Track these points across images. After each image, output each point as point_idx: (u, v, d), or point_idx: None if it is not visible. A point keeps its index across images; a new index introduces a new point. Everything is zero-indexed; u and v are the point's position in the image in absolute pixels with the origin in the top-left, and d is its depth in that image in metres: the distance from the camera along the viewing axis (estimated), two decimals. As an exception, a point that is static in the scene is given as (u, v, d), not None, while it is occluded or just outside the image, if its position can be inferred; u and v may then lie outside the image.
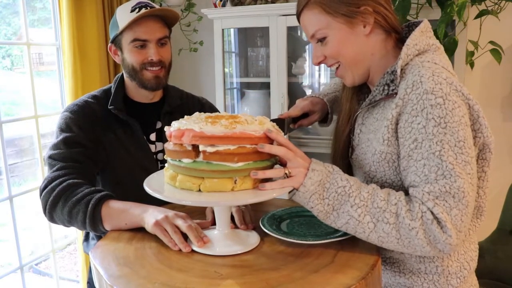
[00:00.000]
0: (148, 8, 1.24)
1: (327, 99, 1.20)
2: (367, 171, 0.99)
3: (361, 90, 1.08)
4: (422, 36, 0.94)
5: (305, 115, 1.20)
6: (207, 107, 1.49)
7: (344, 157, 1.08)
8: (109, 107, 1.28)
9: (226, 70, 2.47)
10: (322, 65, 1.01)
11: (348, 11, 0.91)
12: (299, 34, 2.53)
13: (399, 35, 0.98)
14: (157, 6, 1.27)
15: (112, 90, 1.33)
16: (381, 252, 1.02)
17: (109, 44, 1.33)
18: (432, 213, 0.81)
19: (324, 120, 1.23)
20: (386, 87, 0.92)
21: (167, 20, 1.29)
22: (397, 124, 0.89)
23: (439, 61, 0.91)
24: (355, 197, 0.84)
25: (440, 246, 0.82)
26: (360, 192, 0.85)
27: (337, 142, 1.10)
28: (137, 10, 1.23)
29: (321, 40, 0.96)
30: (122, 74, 1.37)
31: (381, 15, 0.93)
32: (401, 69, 0.91)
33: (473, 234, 1.01)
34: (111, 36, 1.30)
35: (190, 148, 0.84)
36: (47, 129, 2.53)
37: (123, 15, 1.24)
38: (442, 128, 0.82)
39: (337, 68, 0.99)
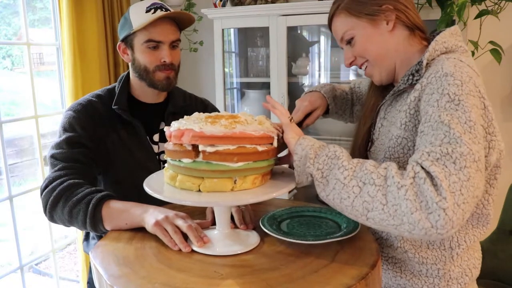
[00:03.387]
0: (163, 9, 1.24)
1: (324, 91, 1.23)
2: (381, 159, 0.99)
3: (387, 89, 1.10)
4: (451, 37, 0.97)
5: (307, 114, 1.22)
6: (210, 108, 1.50)
7: (362, 151, 1.10)
8: (113, 107, 1.28)
9: (226, 70, 2.47)
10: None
11: (371, 10, 0.99)
12: (299, 33, 2.54)
13: (423, 34, 1.02)
14: (170, 8, 1.28)
15: (117, 90, 1.33)
16: (383, 252, 1.02)
17: (119, 43, 1.31)
18: (427, 172, 0.73)
19: (326, 112, 1.26)
20: (410, 77, 0.96)
21: (181, 23, 1.30)
22: (416, 110, 0.91)
23: (465, 59, 0.92)
24: (343, 160, 0.82)
25: (433, 217, 0.70)
26: (350, 158, 0.84)
27: (357, 136, 1.12)
28: (152, 11, 1.23)
29: (349, 41, 1.03)
30: (127, 74, 1.37)
31: (402, 12, 0.99)
32: (427, 63, 0.94)
33: (478, 242, 1.00)
34: (122, 34, 1.29)
35: (189, 148, 0.84)
36: (47, 129, 2.53)
37: (137, 15, 1.24)
38: (455, 105, 0.80)
39: (366, 67, 1.05)
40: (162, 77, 1.28)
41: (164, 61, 1.26)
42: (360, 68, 1.06)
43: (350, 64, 1.06)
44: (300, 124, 1.21)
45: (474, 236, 0.97)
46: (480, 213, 0.96)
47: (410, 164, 0.76)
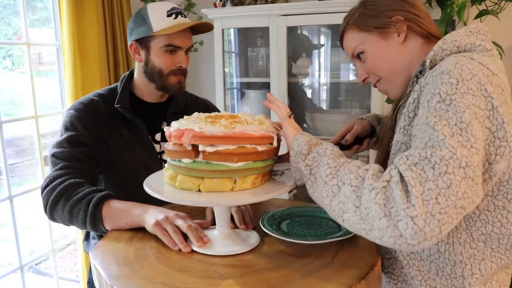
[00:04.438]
0: (182, 15, 1.27)
1: (365, 115, 1.21)
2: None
3: None
4: (469, 36, 0.88)
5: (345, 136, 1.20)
6: (211, 108, 1.51)
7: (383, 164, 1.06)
8: (115, 106, 1.29)
9: (226, 70, 2.47)
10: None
11: (381, 23, 0.95)
12: (299, 33, 2.54)
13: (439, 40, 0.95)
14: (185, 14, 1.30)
15: (119, 89, 1.33)
16: (393, 274, 0.96)
17: (131, 42, 1.30)
18: (401, 175, 0.68)
19: (375, 136, 1.22)
20: (415, 79, 0.91)
21: (197, 31, 1.32)
22: (416, 113, 0.85)
23: (477, 57, 0.82)
24: (329, 158, 0.79)
25: (402, 225, 0.64)
26: (339, 158, 0.80)
27: (380, 149, 1.09)
28: (173, 16, 1.25)
29: (359, 56, 0.99)
30: (130, 73, 1.37)
31: (414, 22, 0.94)
32: (435, 64, 0.87)
33: (505, 274, 0.88)
34: (137, 34, 1.27)
35: (189, 148, 0.84)
36: (47, 129, 2.53)
37: (158, 18, 1.24)
38: (446, 105, 0.73)
39: (379, 84, 1.01)
40: (175, 82, 1.30)
41: (180, 66, 1.29)
42: (375, 86, 1.02)
43: (364, 82, 1.02)
44: (342, 147, 1.18)
45: (492, 264, 0.84)
46: (499, 232, 0.83)
47: (388, 167, 0.71)
